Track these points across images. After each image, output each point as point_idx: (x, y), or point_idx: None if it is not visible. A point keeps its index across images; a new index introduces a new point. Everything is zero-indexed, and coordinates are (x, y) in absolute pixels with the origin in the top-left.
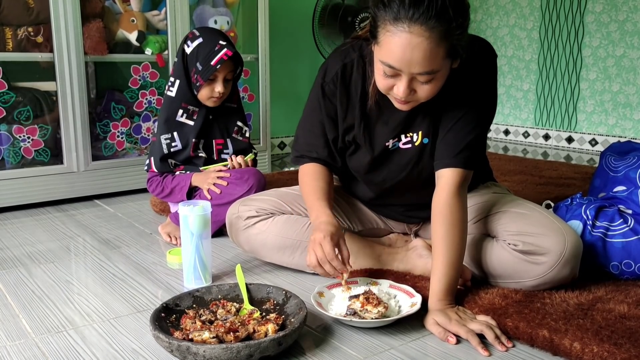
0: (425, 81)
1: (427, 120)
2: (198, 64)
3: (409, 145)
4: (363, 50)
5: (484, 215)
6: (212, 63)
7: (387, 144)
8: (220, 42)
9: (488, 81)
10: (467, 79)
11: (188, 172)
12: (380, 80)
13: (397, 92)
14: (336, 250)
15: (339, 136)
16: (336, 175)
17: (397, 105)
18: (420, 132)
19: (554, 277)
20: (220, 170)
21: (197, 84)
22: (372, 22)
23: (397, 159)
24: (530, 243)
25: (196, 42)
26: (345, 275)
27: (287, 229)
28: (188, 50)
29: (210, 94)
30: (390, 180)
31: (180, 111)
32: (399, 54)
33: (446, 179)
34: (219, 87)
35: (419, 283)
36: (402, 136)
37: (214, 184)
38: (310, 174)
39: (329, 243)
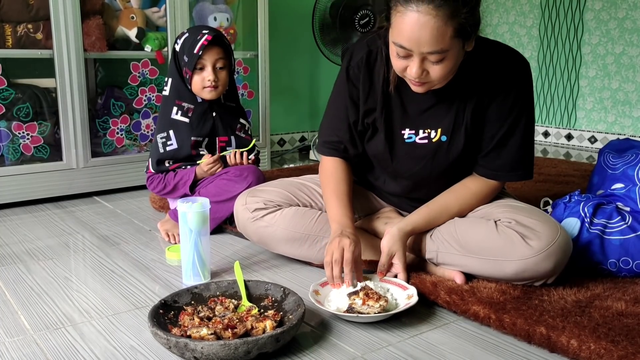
0: (436, 61)
1: (448, 118)
2: (185, 57)
3: (426, 141)
4: (387, 39)
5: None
6: (195, 51)
7: (402, 132)
8: (203, 31)
9: (527, 92)
10: (503, 88)
11: (189, 167)
12: (395, 62)
13: (410, 72)
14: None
15: (359, 120)
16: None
17: (413, 87)
18: (439, 130)
19: (536, 266)
20: (210, 163)
21: (187, 77)
22: (386, 6)
23: (413, 152)
24: (524, 225)
25: (183, 38)
26: (345, 287)
27: (295, 222)
28: (177, 47)
29: (202, 83)
30: (405, 172)
31: (175, 109)
32: (408, 33)
33: (488, 185)
34: (208, 75)
35: (416, 279)
36: (420, 131)
37: (211, 170)
38: (332, 173)
39: (351, 252)
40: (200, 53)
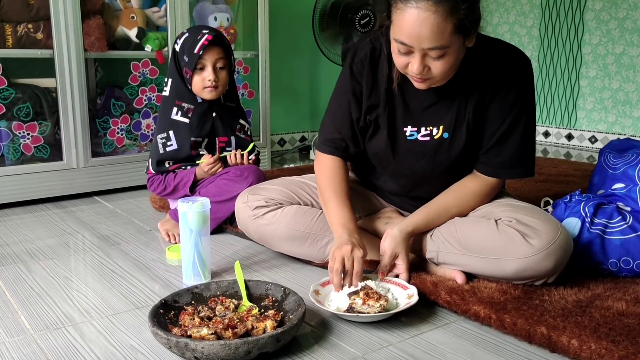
0: (437, 57)
1: (450, 115)
2: (185, 57)
3: (428, 138)
4: (389, 36)
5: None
6: (195, 51)
7: (404, 129)
8: (203, 31)
9: (529, 89)
10: (503, 84)
11: (189, 168)
12: (396, 59)
13: (412, 69)
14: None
15: (361, 116)
16: (352, 166)
17: (415, 84)
18: (441, 127)
19: (536, 265)
20: (211, 164)
21: (188, 77)
22: (386, 3)
23: (415, 149)
24: (525, 224)
25: (182, 38)
26: (348, 289)
27: (296, 220)
28: (177, 47)
29: (202, 83)
30: (407, 169)
31: (175, 109)
32: (408, 29)
33: (488, 183)
34: (208, 75)
35: (417, 279)
36: (422, 128)
37: (211, 170)
38: (332, 173)
39: (360, 263)
40: (200, 53)
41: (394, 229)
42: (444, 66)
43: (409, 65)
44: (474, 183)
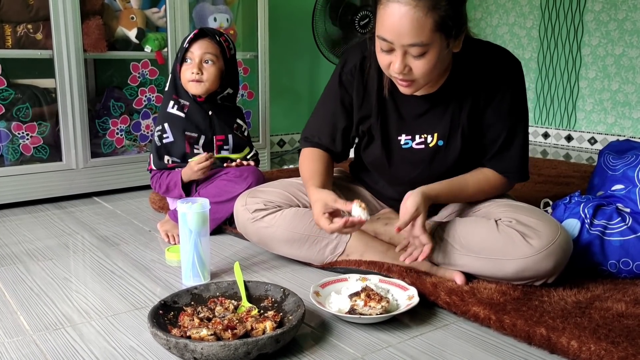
0: (418, 55)
1: (444, 122)
2: (178, 53)
3: (422, 146)
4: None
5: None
6: (183, 44)
7: (399, 138)
8: (199, 28)
9: (522, 92)
10: (495, 87)
11: (180, 169)
12: (380, 58)
13: (393, 68)
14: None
15: (352, 126)
16: (350, 169)
17: (400, 88)
18: (435, 134)
19: (536, 265)
20: (202, 162)
21: (178, 70)
22: (372, 2)
23: (410, 157)
24: (525, 224)
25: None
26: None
27: (296, 223)
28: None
29: (188, 76)
30: (404, 177)
31: (171, 102)
32: (389, 24)
33: (499, 177)
34: (192, 67)
35: (416, 280)
36: (417, 136)
37: (202, 170)
38: (309, 158)
39: (326, 220)
40: (186, 46)
41: (415, 190)
42: (425, 66)
43: (391, 65)
44: (490, 171)
